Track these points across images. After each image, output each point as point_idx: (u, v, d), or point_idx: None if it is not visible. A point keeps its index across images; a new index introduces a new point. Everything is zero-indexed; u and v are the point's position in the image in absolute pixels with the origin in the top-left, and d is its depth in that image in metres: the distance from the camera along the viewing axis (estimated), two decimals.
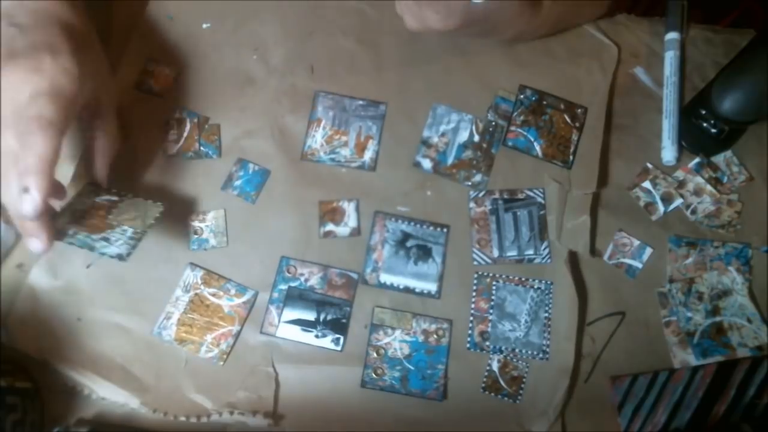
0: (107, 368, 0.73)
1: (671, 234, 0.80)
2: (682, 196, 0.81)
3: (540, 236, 0.79)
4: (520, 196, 0.80)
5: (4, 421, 0.64)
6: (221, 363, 0.74)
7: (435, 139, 0.82)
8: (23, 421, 0.66)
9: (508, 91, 0.84)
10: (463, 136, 0.82)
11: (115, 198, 0.74)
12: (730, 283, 0.77)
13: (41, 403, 0.71)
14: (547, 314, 0.76)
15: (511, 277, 0.78)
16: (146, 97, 0.82)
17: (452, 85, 0.85)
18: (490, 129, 0.83)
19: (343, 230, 0.78)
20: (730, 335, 0.76)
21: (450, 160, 0.81)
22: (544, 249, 0.78)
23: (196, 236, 0.77)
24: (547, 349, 0.76)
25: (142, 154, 0.80)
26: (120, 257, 0.69)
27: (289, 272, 0.77)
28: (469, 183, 0.81)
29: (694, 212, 0.80)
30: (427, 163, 0.81)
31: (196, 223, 0.77)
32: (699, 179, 0.81)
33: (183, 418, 0.72)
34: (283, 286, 0.76)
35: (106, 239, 0.70)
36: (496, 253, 0.78)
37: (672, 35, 0.86)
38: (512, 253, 0.78)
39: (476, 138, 0.82)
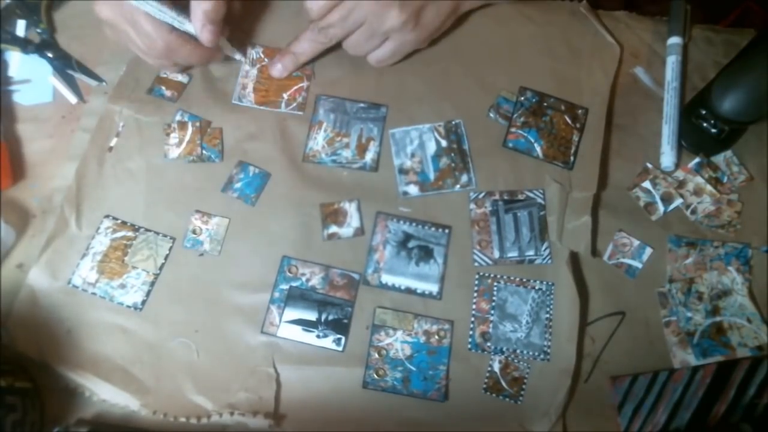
0: (107, 370, 0.72)
1: (671, 234, 0.80)
2: (682, 196, 0.81)
3: (540, 237, 0.79)
4: (521, 197, 0.80)
5: (4, 421, 0.64)
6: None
7: (408, 163, 0.82)
8: (23, 421, 0.66)
9: (510, 91, 0.84)
10: (431, 148, 0.82)
11: (131, 233, 0.77)
12: (730, 283, 0.77)
13: (41, 403, 0.71)
14: (548, 315, 0.76)
15: (512, 278, 0.78)
16: (157, 101, 0.83)
17: (452, 86, 0.85)
18: (451, 128, 0.83)
19: (346, 231, 0.78)
20: (730, 335, 0.76)
21: (432, 176, 0.81)
22: (545, 250, 0.78)
23: (193, 235, 0.77)
24: (549, 350, 0.75)
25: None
26: (135, 306, 0.75)
27: (290, 272, 0.77)
28: (460, 186, 0.81)
29: (694, 212, 0.81)
30: (413, 189, 0.81)
31: (198, 222, 0.77)
32: (699, 179, 0.81)
33: (183, 419, 0.71)
34: (285, 286, 0.76)
35: (123, 286, 0.75)
36: (496, 254, 0.78)
37: (674, 40, 0.87)
38: (513, 254, 0.78)
39: (444, 143, 0.83)
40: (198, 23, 0.73)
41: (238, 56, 0.84)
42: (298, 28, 0.82)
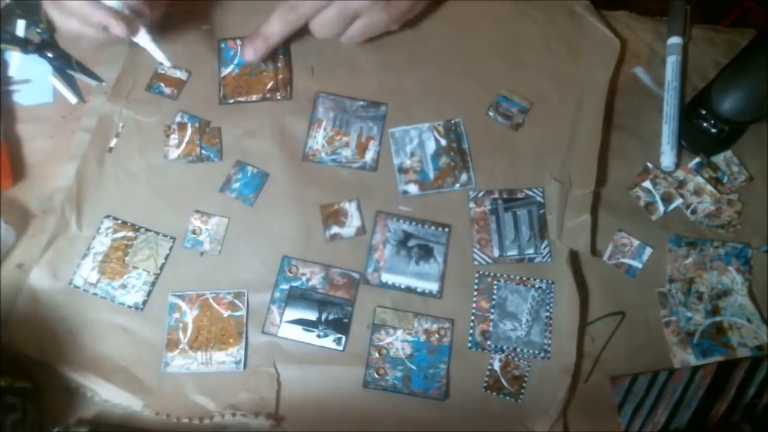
0: (109, 370, 0.73)
1: (671, 234, 0.80)
2: (682, 196, 0.81)
3: (540, 235, 0.79)
4: (520, 195, 0.80)
5: (4, 421, 0.64)
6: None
7: (408, 162, 0.82)
8: (23, 421, 0.66)
9: (509, 90, 0.84)
10: (431, 147, 0.82)
11: (131, 233, 0.77)
12: (730, 283, 0.78)
13: (41, 403, 0.71)
14: (548, 313, 0.77)
15: (512, 277, 0.78)
16: (157, 98, 0.83)
17: (452, 85, 0.85)
18: (451, 127, 0.83)
19: (348, 231, 0.78)
20: (730, 335, 0.76)
21: (432, 174, 0.81)
22: (545, 248, 0.78)
23: (193, 235, 0.77)
24: (549, 349, 0.76)
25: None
26: (137, 306, 0.75)
27: (290, 272, 0.77)
28: (459, 185, 0.81)
29: (694, 212, 0.81)
30: (413, 188, 0.81)
31: (198, 222, 0.78)
32: (699, 179, 0.81)
33: (186, 420, 0.72)
34: (285, 286, 0.76)
35: (124, 286, 0.75)
36: (496, 252, 0.78)
37: (674, 40, 0.86)
38: (513, 252, 0.78)
39: (443, 142, 0.82)
40: None
41: (161, 57, 0.78)
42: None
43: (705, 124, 0.81)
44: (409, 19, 0.85)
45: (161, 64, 0.81)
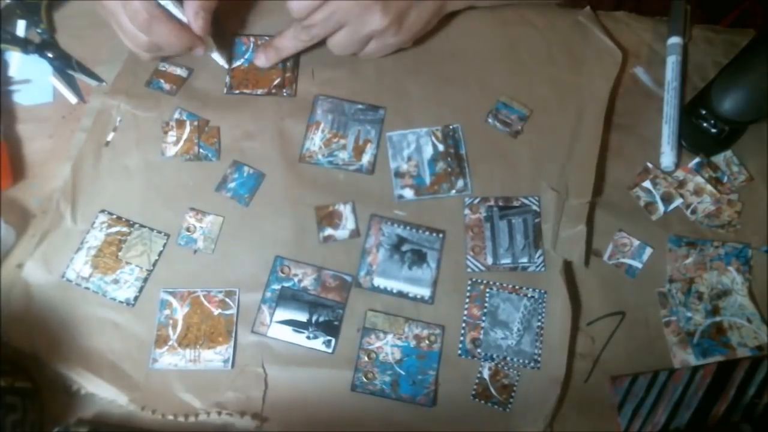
0: (97, 364, 0.73)
1: (671, 234, 0.79)
2: (682, 195, 0.80)
3: (534, 244, 0.78)
4: (516, 203, 0.79)
5: (4, 421, 0.64)
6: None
7: (404, 167, 0.81)
8: (23, 421, 0.66)
9: (509, 97, 0.84)
10: (428, 152, 0.82)
11: (125, 228, 0.77)
12: (730, 283, 0.76)
13: (41, 403, 0.71)
14: (539, 323, 0.75)
15: (504, 285, 0.77)
16: (156, 94, 0.84)
17: (451, 90, 0.85)
18: (448, 132, 0.83)
19: (342, 233, 0.78)
20: (730, 335, 0.74)
21: (428, 180, 0.81)
22: (539, 257, 0.77)
23: (187, 233, 0.77)
24: (539, 359, 0.74)
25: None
26: (128, 302, 0.76)
27: (282, 272, 0.76)
28: (455, 191, 0.80)
29: (694, 212, 0.79)
30: (408, 193, 0.80)
31: (192, 220, 0.78)
32: (699, 179, 0.80)
33: (171, 417, 0.71)
34: (276, 286, 0.76)
35: (116, 281, 0.75)
36: (489, 260, 0.77)
37: (674, 40, 0.86)
38: (506, 260, 0.77)
39: (441, 147, 0.82)
40: (191, 9, 0.74)
41: (222, 61, 0.85)
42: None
43: (705, 124, 0.80)
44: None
45: (223, 67, 0.85)
